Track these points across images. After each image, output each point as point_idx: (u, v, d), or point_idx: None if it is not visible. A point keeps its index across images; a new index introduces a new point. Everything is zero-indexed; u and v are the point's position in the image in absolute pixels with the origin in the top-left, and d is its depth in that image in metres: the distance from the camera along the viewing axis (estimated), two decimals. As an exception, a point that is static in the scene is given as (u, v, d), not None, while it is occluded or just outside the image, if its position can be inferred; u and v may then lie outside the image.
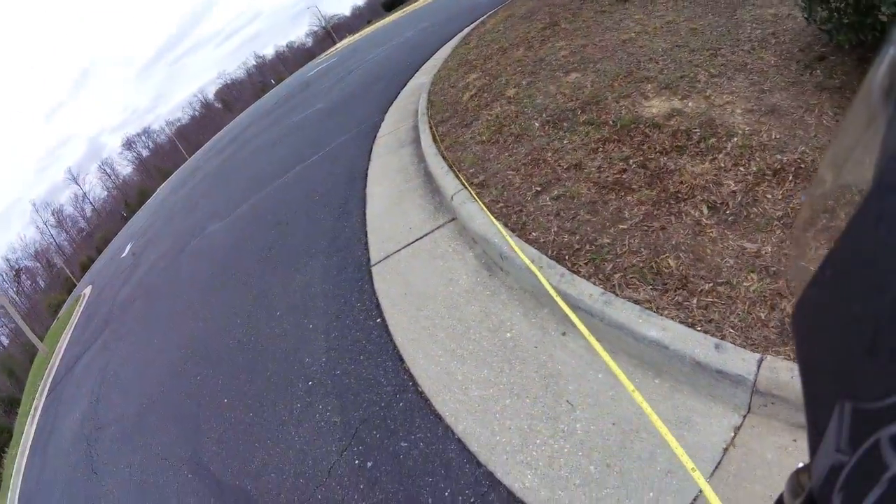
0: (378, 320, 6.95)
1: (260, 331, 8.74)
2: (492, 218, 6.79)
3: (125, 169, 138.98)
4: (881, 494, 0.50)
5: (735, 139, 6.21)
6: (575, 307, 5.19)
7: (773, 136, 6.10)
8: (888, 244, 0.53)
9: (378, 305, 7.19)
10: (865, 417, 0.54)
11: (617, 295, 5.07)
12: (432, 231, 7.89)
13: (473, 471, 4.70)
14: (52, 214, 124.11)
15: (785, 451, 3.94)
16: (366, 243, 8.78)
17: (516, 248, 6.07)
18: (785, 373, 4.06)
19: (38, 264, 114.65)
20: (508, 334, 5.66)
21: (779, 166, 5.61)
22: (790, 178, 5.44)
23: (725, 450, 4.07)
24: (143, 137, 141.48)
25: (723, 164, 5.98)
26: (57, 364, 22.02)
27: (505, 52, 12.05)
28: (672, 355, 4.53)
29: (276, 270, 10.26)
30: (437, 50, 17.63)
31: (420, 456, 5.07)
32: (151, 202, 48.44)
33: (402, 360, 6.16)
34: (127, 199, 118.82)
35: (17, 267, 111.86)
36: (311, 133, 18.90)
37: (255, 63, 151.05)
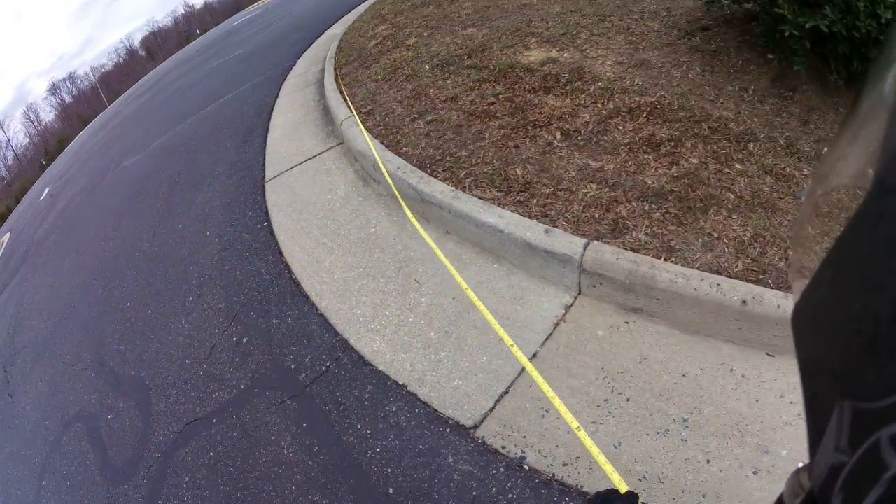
0: (265, 224, 7.45)
1: (163, 242, 9.00)
2: (367, 135, 7.35)
3: (48, 115, 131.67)
4: (881, 494, 0.49)
5: (599, 83, 6.69)
6: (429, 202, 5.76)
7: (636, 83, 6.60)
8: (888, 244, 0.53)
9: (267, 212, 7.69)
10: (865, 417, 0.53)
11: (465, 192, 5.62)
12: (322, 153, 8.40)
13: (332, 339, 5.18)
14: None
15: (616, 330, 4.39)
16: (263, 165, 9.20)
17: (377, 158, 6.62)
18: (610, 255, 4.49)
19: None
20: (372, 229, 6.24)
21: (635, 105, 6.12)
22: (644, 115, 5.95)
23: (556, 324, 4.52)
24: (68, 83, 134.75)
25: (582, 102, 6.48)
26: None
27: (416, 8, 12.29)
28: (507, 238, 5.00)
29: (183, 192, 10.42)
30: (358, 5, 17.77)
31: (287, 330, 5.54)
32: (71, 147, 46.46)
33: (281, 253, 6.70)
34: (47, 146, 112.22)
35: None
36: (227, 76, 18.76)
37: (183, 12, 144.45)
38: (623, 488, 2.01)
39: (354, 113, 8.21)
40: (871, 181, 0.58)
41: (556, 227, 4.92)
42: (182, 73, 30.99)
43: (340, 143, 8.27)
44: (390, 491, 3.92)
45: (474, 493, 3.75)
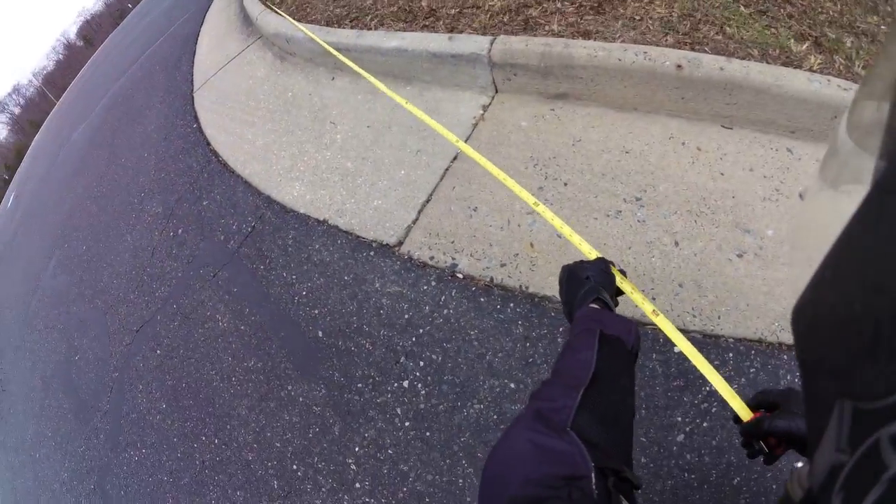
0: (194, 126, 7.31)
1: (110, 182, 9.02)
2: (278, 11, 7.21)
3: (1, 133, 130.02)
4: (881, 494, 0.49)
5: None
6: (337, 49, 5.48)
7: None
8: (888, 244, 0.53)
9: (196, 115, 7.56)
10: (865, 417, 0.54)
11: (370, 30, 5.42)
12: (243, 50, 8.25)
13: (254, 200, 5.06)
14: None
15: (542, 118, 4.14)
16: (191, 80, 9.10)
17: (295, 24, 6.41)
18: (518, 43, 4.21)
19: None
20: (290, 94, 6.07)
21: None
22: None
23: (475, 124, 4.29)
24: (14, 95, 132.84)
25: None
26: None
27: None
28: (412, 56, 4.78)
29: (125, 133, 10.43)
30: None
31: (216, 207, 5.41)
32: (30, 151, 46.99)
33: (208, 144, 6.57)
34: (6, 162, 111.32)
35: None
36: (158, 24, 18.67)
37: None
38: (593, 255, 1.89)
39: (266, 4, 8.00)
40: (872, 182, 0.58)
41: (461, 33, 4.71)
42: (117, 42, 31.03)
43: (260, 37, 8.14)
44: (319, 334, 3.78)
45: (406, 317, 3.57)
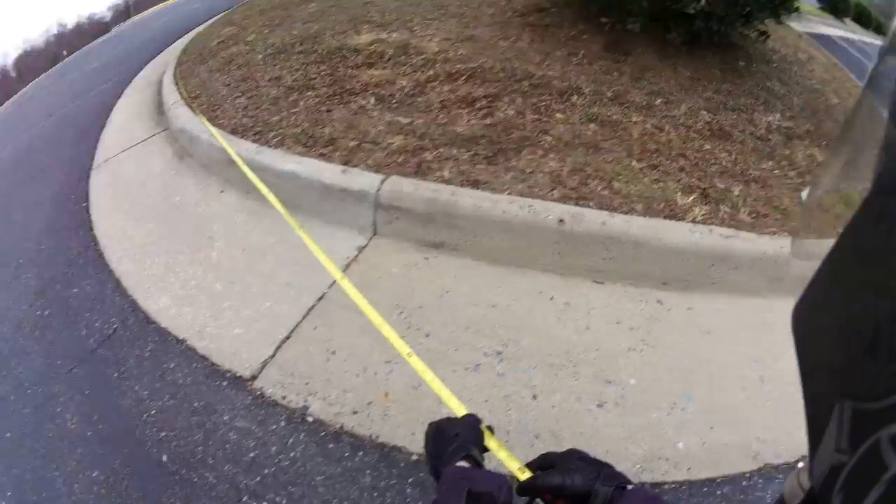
0: (84, 204, 7.09)
1: None
2: (193, 108, 7.21)
3: None
4: (881, 494, 0.49)
5: (423, 56, 6.60)
6: (233, 163, 5.50)
7: (460, 54, 6.57)
8: (888, 244, 0.53)
9: (87, 194, 7.35)
10: (865, 417, 0.54)
11: (269, 147, 5.48)
12: (148, 138, 8.18)
13: (121, 301, 4.88)
14: None
15: (414, 266, 4.18)
16: (93, 155, 8.93)
17: (204, 122, 6.41)
18: (408, 186, 4.32)
19: None
20: (177, 198, 5.99)
21: (454, 71, 6.05)
22: (462, 78, 5.90)
23: (347, 265, 4.30)
24: None
25: (402, 72, 6.37)
26: None
27: (264, 12, 12.28)
28: (304, 183, 4.83)
29: (22, 189, 9.86)
30: (216, 16, 17.75)
31: (85, 298, 5.21)
32: None
33: (91, 228, 6.38)
34: None
35: None
36: (80, 86, 18.35)
37: (56, 32, 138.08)
38: (462, 411, 1.86)
39: (183, 95, 8.01)
40: (872, 182, 0.59)
41: (356, 167, 4.81)
42: (41, 88, 30.54)
43: (166, 129, 8.09)
44: (164, 458, 3.58)
45: (252, 455, 3.43)
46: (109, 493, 3.63)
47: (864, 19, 39.70)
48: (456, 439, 1.56)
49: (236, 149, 5.63)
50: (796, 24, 12.40)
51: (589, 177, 4.54)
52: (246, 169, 5.19)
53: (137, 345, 4.41)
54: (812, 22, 23.09)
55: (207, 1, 31.56)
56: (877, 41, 34.95)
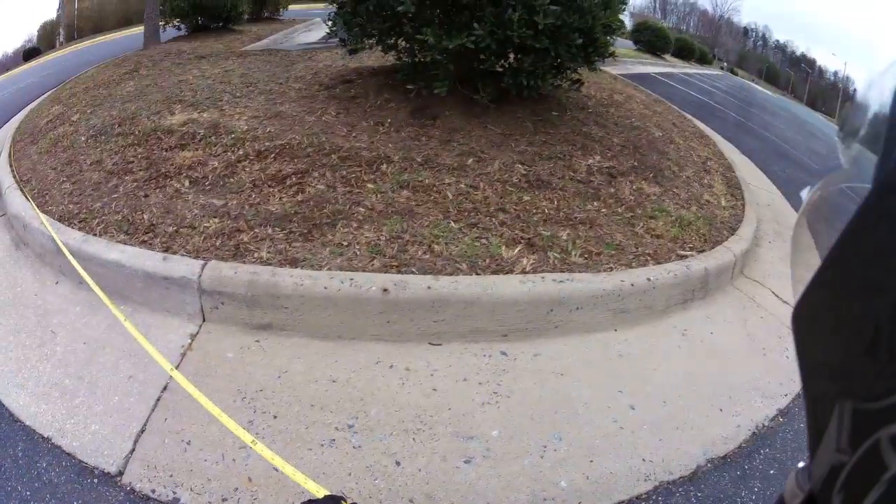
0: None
1: None
2: (25, 193, 6.89)
3: None
4: (881, 495, 0.47)
5: (232, 135, 6.75)
6: (63, 253, 5.36)
7: (268, 131, 6.68)
8: (888, 244, 0.50)
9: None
10: (865, 417, 0.51)
11: (95, 236, 5.32)
12: None
13: (-15, 404, 4.79)
14: None
15: (248, 350, 4.14)
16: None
17: (35, 209, 6.15)
18: (228, 270, 4.32)
19: None
20: (18, 289, 5.76)
21: (263, 149, 6.17)
22: (272, 156, 6.04)
23: (183, 354, 4.22)
24: None
25: (213, 152, 6.51)
26: None
27: (88, 90, 12.08)
28: (129, 273, 4.75)
29: None
30: (47, 92, 17.05)
31: (-64, 395, 4.96)
32: None
33: None
34: None
35: None
36: None
37: None
38: (321, 493, 1.80)
39: (16, 179, 7.74)
40: (872, 182, 0.56)
41: (176, 254, 4.76)
42: None
43: (3, 214, 7.65)
44: None
45: (133, 550, 3.40)
46: None
47: (686, 53, 41.19)
48: None
49: (64, 237, 5.49)
50: (612, 69, 12.79)
51: (407, 243, 4.65)
52: (72, 259, 5.16)
53: (10, 443, 4.14)
54: (628, 63, 23.83)
55: (41, 74, 30.38)
56: (700, 70, 36.28)
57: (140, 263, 4.69)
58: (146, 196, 5.83)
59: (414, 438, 3.43)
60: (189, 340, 4.33)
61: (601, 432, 3.59)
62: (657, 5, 71.50)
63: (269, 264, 4.41)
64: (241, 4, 18.16)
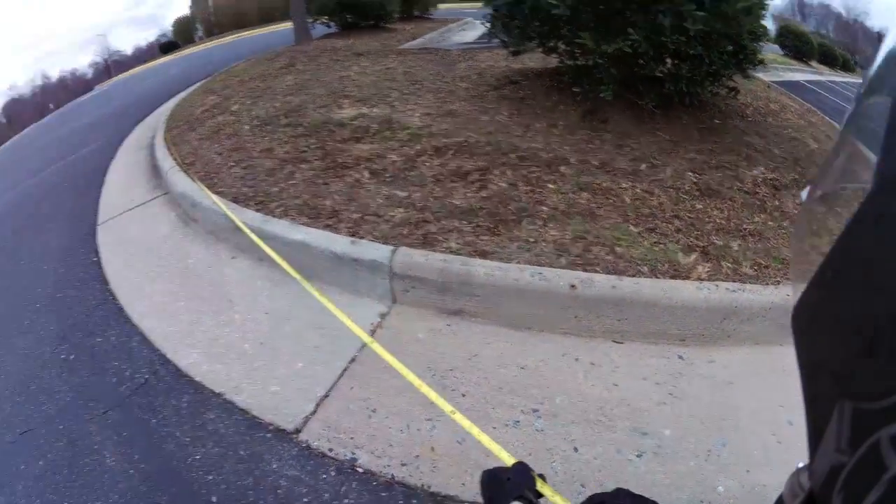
0: (94, 259, 7.13)
1: (5, 276, 8.39)
2: (191, 175, 7.25)
3: None
4: (881, 495, 0.47)
5: (407, 131, 6.79)
6: (241, 231, 5.59)
7: (443, 128, 6.72)
8: (888, 244, 0.50)
9: (97, 250, 7.37)
10: (865, 417, 0.51)
11: (274, 217, 5.54)
12: (148, 201, 8.23)
13: (150, 355, 4.90)
14: None
15: (439, 332, 4.22)
16: (97, 212, 8.91)
17: (206, 191, 6.46)
18: (419, 257, 4.38)
19: None
20: (190, 261, 6.06)
21: (441, 145, 6.20)
22: (450, 153, 6.02)
23: (373, 332, 4.32)
24: None
25: (390, 146, 6.56)
26: None
27: (243, 83, 12.41)
28: (315, 253, 4.89)
29: (27, 235, 9.81)
30: (194, 84, 17.58)
31: (110, 348, 5.23)
32: None
33: (106, 282, 6.41)
34: None
35: None
36: (73, 141, 17.96)
37: (41, 83, 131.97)
38: (511, 462, 1.86)
39: (178, 162, 8.15)
40: (872, 182, 0.56)
41: (364, 239, 4.86)
42: (32, 139, 29.98)
43: (166, 194, 8.15)
44: (214, 499, 3.54)
45: (305, 500, 3.40)
46: None
47: (830, 59, 39.60)
48: (508, 483, 1.61)
49: (241, 217, 5.75)
50: (764, 75, 12.54)
51: (591, 244, 4.58)
52: (256, 238, 5.32)
53: (173, 395, 4.41)
54: (779, 70, 23.21)
55: (181, 67, 31.45)
56: (845, 78, 34.97)
57: (328, 245, 4.82)
58: (325, 184, 5.98)
59: (593, 428, 3.45)
60: (379, 319, 4.42)
61: (760, 444, 3.56)
62: (796, 7, 69.01)
63: (459, 254, 4.43)
64: (391, 3, 18.34)
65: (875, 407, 0.49)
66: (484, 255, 4.38)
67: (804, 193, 0.85)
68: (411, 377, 3.40)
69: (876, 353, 0.49)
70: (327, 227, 5.12)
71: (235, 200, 6.15)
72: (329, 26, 18.70)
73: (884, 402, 0.47)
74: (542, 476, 1.72)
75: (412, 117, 7.20)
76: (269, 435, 3.78)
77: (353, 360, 4.14)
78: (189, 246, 6.38)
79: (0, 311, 7.29)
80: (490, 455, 3.02)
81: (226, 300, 5.18)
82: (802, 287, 0.69)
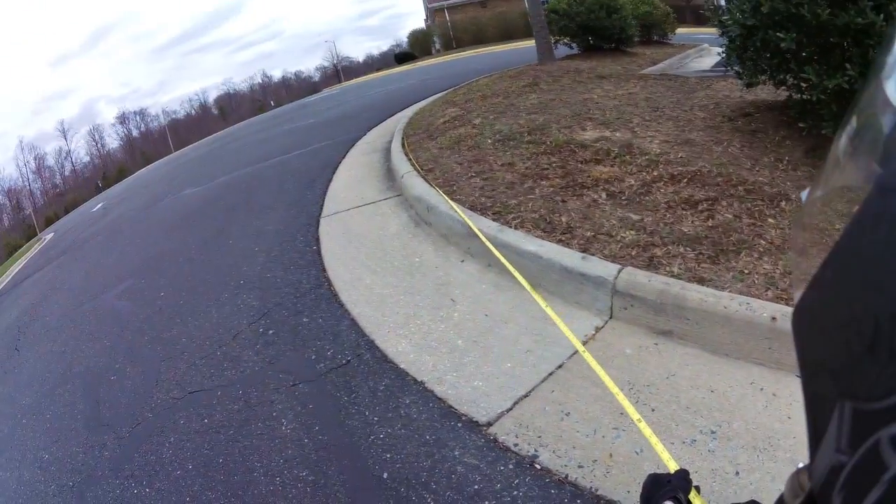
0: (314, 248, 7.59)
1: (211, 252, 9.23)
2: (429, 180, 7.63)
3: (113, 142, 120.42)
4: (881, 495, 0.49)
5: (646, 156, 6.82)
6: (474, 237, 5.88)
7: (679, 156, 6.72)
8: (888, 245, 0.52)
9: (318, 239, 7.85)
10: (865, 418, 0.53)
11: (510, 227, 5.76)
12: (379, 201, 8.67)
13: (358, 339, 5.18)
14: (35, 159, 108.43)
15: (645, 349, 4.31)
16: (321, 205, 9.45)
17: (443, 196, 6.77)
18: (642, 277, 4.50)
19: (7, 202, 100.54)
20: (417, 259, 6.36)
21: (676, 173, 6.20)
22: (684, 181, 6.04)
23: (585, 342, 4.43)
24: (138, 117, 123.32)
25: (629, 170, 6.59)
26: (6, 282, 20.89)
27: (485, 98, 12.74)
28: (545, 265, 5.06)
29: (239, 217, 10.68)
30: (432, 95, 18.02)
31: (316, 328, 5.56)
32: (129, 181, 46.34)
33: (324, 269, 6.81)
34: (106, 171, 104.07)
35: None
36: (298, 138, 18.94)
37: (260, 81, 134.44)
38: (673, 467, 1.96)
39: (416, 167, 8.56)
40: (872, 183, 0.58)
41: (594, 255, 4.98)
42: (253, 131, 31.48)
43: (398, 195, 8.56)
44: (384, 475, 3.76)
45: (476, 487, 3.54)
46: (314, 492, 3.83)
47: None
48: (668, 485, 1.65)
49: (478, 225, 6.04)
50: None
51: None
52: (490, 245, 5.58)
53: (372, 378, 4.65)
54: None
55: (418, 78, 32.38)
56: None
57: (559, 258, 5.00)
58: (563, 201, 6.17)
59: (758, 455, 3.38)
60: (593, 331, 4.53)
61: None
62: None
63: (679, 279, 4.52)
64: (630, 27, 18.38)
65: (875, 407, 0.51)
66: (701, 281, 4.41)
67: (804, 194, 0.89)
68: (611, 386, 3.56)
69: (876, 354, 0.51)
70: (560, 241, 5.31)
71: (472, 208, 6.46)
72: (571, 47, 18.91)
73: (884, 402, 0.50)
74: (697, 487, 1.80)
75: (651, 143, 7.24)
76: (459, 425, 3.96)
77: (560, 366, 4.26)
78: (418, 246, 6.69)
79: (195, 284, 8.01)
80: (660, 467, 3.21)
81: (448, 298, 5.42)
82: (803, 287, 0.72)
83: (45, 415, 6.28)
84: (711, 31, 10.73)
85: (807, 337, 0.71)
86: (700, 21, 34.35)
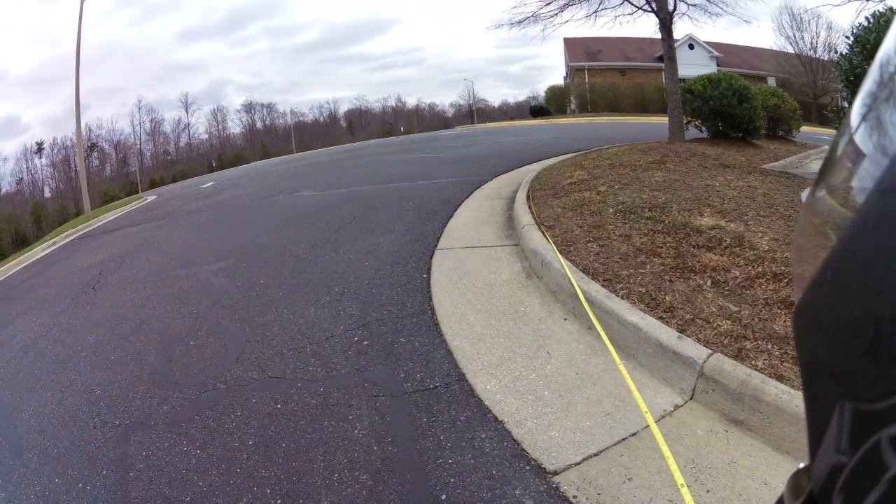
0: (424, 275, 7.81)
1: (319, 255, 9.51)
2: (547, 237, 7.84)
3: (235, 128, 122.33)
4: (881, 495, 0.49)
5: (754, 251, 6.85)
6: (580, 297, 6.03)
7: (785, 256, 6.74)
8: (888, 245, 0.52)
9: (429, 269, 8.07)
10: (865, 418, 0.53)
11: (616, 296, 5.91)
12: (496, 246, 8.88)
13: (450, 369, 5.35)
14: (151, 122, 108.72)
15: (715, 434, 4.38)
16: (439, 237, 9.68)
17: (558, 254, 6.98)
18: (729, 365, 4.59)
19: (114, 154, 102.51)
20: (522, 309, 6.50)
21: (779, 272, 6.22)
22: (784, 281, 6.09)
23: (662, 416, 4.57)
24: (265, 110, 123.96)
25: (736, 262, 6.61)
26: (96, 226, 22.12)
27: (613, 167, 12.94)
28: (643, 337, 5.20)
29: (354, 230, 10.97)
30: (561, 155, 18.07)
31: (411, 349, 5.76)
32: (244, 168, 46.55)
33: (430, 298, 7.02)
34: (222, 153, 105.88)
35: (94, 141, 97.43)
36: (424, 168, 19.06)
37: (393, 105, 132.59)
38: None
39: (537, 221, 8.80)
40: (872, 183, 0.59)
41: (689, 337, 5.10)
42: (379, 152, 31.84)
43: (515, 245, 8.74)
44: (443, 497, 3.88)
45: (527, 528, 3.67)
46: (369, 497, 3.96)
47: None
48: None
49: (586, 288, 6.19)
50: None
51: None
52: (589, 310, 5.80)
53: (455, 407, 4.80)
54: None
55: (552, 135, 32.41)
56: None
57: (656, 333, 5.13)
58: (671, 281, 6.34)
59: None
60: (672, 408, 4.65)
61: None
62: None
63: (761, 373, 4.54)
64: (759, 118, 18.23)
65: (875, 407, 0.51)
66: (780, 378, 4.42)
67: (805, 194, 0.87)
68: (671, 462, 3.75)
69: (876, 354, 0.51)
70: (661, 318, 5.45)
71: (585, 271, 6.64)
72: (701, 130, 18.79)
73: (884, 402, 0.50)
74: None
75: (762, 239, 7.23)
76: (527, 467, 4.08)
77: (634, 433, 4.38)
78: (525, 296, 6.86)
79: (298, 281, 8.29)
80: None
81: (544, 351, 5.55)
82: (804, 287, 0.71)
83: (109, 356, 6.65)
84: (833, 133, 10.72)
85: (807, 337, 0.72)
86: (824, 121, 33.54)
